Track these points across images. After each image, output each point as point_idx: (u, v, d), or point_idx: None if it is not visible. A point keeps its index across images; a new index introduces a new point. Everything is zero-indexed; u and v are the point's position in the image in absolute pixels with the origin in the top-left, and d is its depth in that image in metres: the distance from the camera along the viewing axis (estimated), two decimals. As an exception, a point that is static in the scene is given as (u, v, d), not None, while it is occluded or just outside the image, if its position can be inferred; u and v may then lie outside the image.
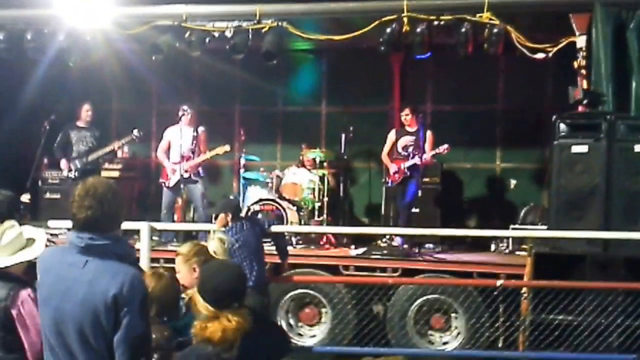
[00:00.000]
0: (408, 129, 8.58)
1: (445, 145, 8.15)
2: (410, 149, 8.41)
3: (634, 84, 7.28)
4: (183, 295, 3.97)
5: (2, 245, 3.85)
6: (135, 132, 8.95)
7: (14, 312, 3.69)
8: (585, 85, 7.49)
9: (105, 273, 2.79)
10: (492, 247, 8.56)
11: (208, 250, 4.50)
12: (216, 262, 3.77)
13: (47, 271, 2.93)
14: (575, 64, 7.55)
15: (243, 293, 2.95)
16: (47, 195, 9.48)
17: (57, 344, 2.83)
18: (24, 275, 3.86)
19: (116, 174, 9.92)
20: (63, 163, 9.01)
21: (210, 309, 2.85)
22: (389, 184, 8.63)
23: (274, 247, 6.85)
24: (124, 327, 2.72)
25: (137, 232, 6.36)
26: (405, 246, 8.13)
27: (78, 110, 9.14)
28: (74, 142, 9.06)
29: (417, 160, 8.26)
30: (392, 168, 8.51)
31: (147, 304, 2.84)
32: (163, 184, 8.70)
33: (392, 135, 8.72)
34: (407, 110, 8.59)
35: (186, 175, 8.56)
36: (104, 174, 9.63)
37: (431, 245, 8.38)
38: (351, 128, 9.21)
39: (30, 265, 3.79)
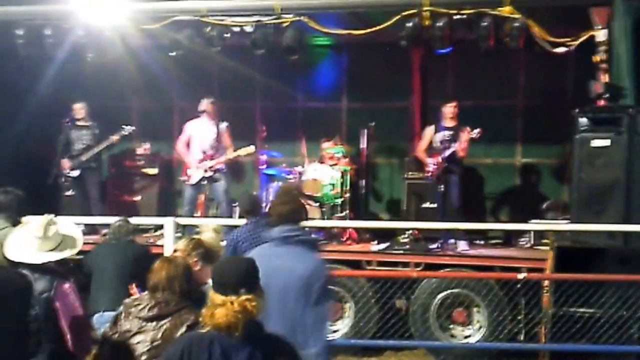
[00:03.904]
0: (447, 123, 8.40)
1: (478, 130, 8.07)
2: (447, 144, 8.24)
3: (654, 78, 7.27)
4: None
5: (46, 239, 3.97)
6: (126, 128, 9.05)
7: (57, 303, 3.81)
8: (605, 79, 7.46)
9: (301, 258, 3.60)
10: (514, 241, 8.56)
11: (204, 242, 4.54)
12: (231, 256, 3.81)
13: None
14: (596, 58, 7.53)
15: (252, 282, 2.93)
16: (67, 192, 9.56)
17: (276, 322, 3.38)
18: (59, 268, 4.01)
19: (155, 171, 10.07)
20: (64, 162, 9.11)
21: (218, 295, 2.87)
22: (430, 180, 8.44)
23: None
24: (314, 301, 3.52)
25: (161, 227, 6.48)
26: (468, 249, 8.02)
27: (74, 108, 9.23)
28: (73, 140, 9.17)
29: (455, 147, 8.12)
30: (430, 162, 8.36)
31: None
32: (184, 182, 8.77)
33: (430, 130, 8.54)
34: (454, 103, 8.42)
35: (208, 174, 8.63)
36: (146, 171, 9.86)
37: (453, 241, 8.39)
38: (372, 123, 9.22)
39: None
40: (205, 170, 8.60)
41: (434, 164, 8.30)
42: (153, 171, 10.19)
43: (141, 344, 3.49)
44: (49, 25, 8.61)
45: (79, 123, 9.22)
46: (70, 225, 4.28)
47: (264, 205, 8.28)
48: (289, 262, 3.60)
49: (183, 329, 3.42)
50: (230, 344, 2.83)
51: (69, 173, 9.13)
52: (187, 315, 3.48)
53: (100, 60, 8.94)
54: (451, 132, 8.30)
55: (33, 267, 3.88)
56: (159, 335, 3.47)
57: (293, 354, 3.01)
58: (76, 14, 8.43)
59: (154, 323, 3.51)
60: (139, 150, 10.19)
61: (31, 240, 3.96)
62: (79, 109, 9.22)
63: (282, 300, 3.51)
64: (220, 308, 2.82)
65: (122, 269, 5.79)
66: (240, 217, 6.62)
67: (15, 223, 4.80)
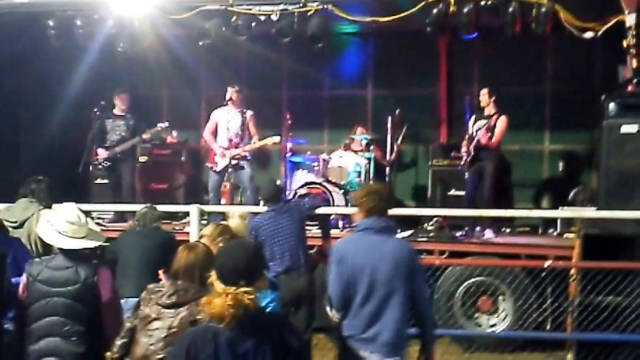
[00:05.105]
0: (483, 111, 8.29)
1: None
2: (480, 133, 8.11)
3: (684, 63, 7.13)
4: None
5: (75, 227, 4.17)
6: (161, 124, 9.17)
7: (101, 287, 4.06)
8: (634, 65, 7.33)
9: (395, 245, 4.17)
10: (541, 229, 8.48)
11: (231, 229, 4.55)
12: (235, 241, 3.80)
13: (350, 255, 4.15)
14: (625, 43, 7.40)
15: (254, 273, 2.92)
16: (98, 180, 9.69)
17: (372, 296, 4.06)
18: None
19: (183, 159, 10.20)
20: (100, 152, 9.19)
21: (219, 284, 2.87)
22: (460, 168, 8.37)
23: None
24: (416, 276, 4.14)
25: (187, 214, 6.53)
26: (494, 237, 7.96)
27: (114, 98, 9.30)
28: (108, 130, 9.24)
29: (480, 138, 8.00)
30: (462, 150, 8.29)
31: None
32: (210, 168, 8.83)
33: (471, 120, 8.41)
34: (483, 90, 8.30)
35: (234, 161, 8.67)
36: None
37: (479, 228, 8.33)
38: (397, 111, 9.18)
39: None
40: (231, 158, 8.64)
41: (465, 152, 8.23)
42: (181, 159, 10.29)
43: (159, 330, 3.51)
44: (79, 16, 8.69)
45: (115, 112, 9.30)
46: (88, 218, 4.44)
47: (286, 193, 8.36)
48: (386, 248, 4.14)
49: (200, 317, 3.44)
50: (235, 335, 2.81)
51: (103, 162, 9.23)
52: None
53: (131, 50, 9.01)
54: (485, 121, 8.17)
55: (70, 253, 4.09)
56: (176, 322, 3.49)
57: (302, 346, 3.00)
58: (106, 4, 8.51)
59: (173, 310, 3.52)
60: (168, 139, 10.27)
61: (65, 226, 4.14)
62: (122, 99, 9.29)
63: (383, 282, 4.07)
64: (217, 298, 2.82)
65: (147, 256, 5.83)
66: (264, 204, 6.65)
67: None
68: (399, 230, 4.70)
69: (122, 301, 5.49)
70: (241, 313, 2.80)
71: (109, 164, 9.19)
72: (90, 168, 9.52)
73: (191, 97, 10.79)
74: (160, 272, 4.76)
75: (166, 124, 9.30)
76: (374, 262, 4.08)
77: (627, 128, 6.82)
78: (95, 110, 9.27)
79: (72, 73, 9.60)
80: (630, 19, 7.30)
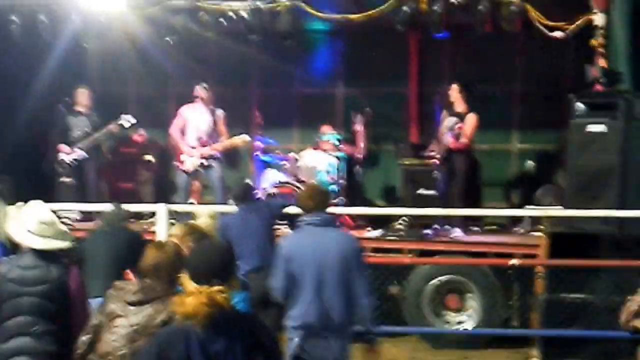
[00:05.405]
0: (454, 108, 8.14)
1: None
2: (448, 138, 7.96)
3: (652, 63, 7.22)
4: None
5: (45, 226, 4.14)
6: (125, 117, 9.00)
7: (70, 286, 4.08)
8: (603, 64, 7.41)
9: (339, 236, 4.64)
10: (509, 228, 8.53)
11: (200, 228, 4.55)
12: (207, 240, 3.84)
13: (298, 248, 4.54)
14: (593, 43, 7.47)
15: (226, 272, 2.91)
16: (63, 179, 9.51)
17: (319, 288, 4.40)
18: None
19: (150, 157, 10.05)
20: (62, 149, 9.05)
21: (191, 283, 2.85)
22: (433, 167, 8.22)
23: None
24: (360, 266, 4.52)
25: (155, 214, 6.47)
26: (462, 236, 7.90)
27: (75, 94, 9.15)
28: (71, 127, 9.09)
29: (449, 143, 7.92)
30: (433, 149, 8.23)
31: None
32: (177, 167, 8.74)
33: (442, 115, 8.30)
34: (453, 86, 8.16)
35: (202, 161, 8.60)
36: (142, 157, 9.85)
37: (447, 227, 8.35)
38: (367, 109, 9.17)
39: None
40: (200, 158, 8.57)
41: (436, 151, 8.21)
42: (149, 158, 10.17)
43: (122, 327, 3.49)
44: (44, 11, 8.55)
45: (77, 109, 9.15)
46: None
47: (255, 192, 8.31)
48: (332, 239, 4.53)
49: (164, 316, 3.40)
50: (206, 335, 2.80)
51: (66, 160, 9.10)
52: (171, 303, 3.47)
53: (97, 46, 8.90)
54: (456, 119, 8.07)
55: (40, 251, 4.08)
56: (140, 319, 3.46)
57: (273, 344, 2.98)
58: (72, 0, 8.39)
59: (137, 307, 3.50)
60: (135, 137, 10.14)
61: (36, 225, 4.12)
62: (82, 95, 9.13)
63: (333, 269, 4.43)
64: (190, 297, 2.80)
65: (114, 255, 5.75)
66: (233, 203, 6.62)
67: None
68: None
69: (90, 300, 5.49)
70: (215, 312, 2.78)
71: (73, 162, 9.05)
72: (55, 167, 9.36)
73: (159, 94, 10.66)
74: (128, 272, 4.73)
75: (133, 120, 9.15)
76: (320, 252, 4.45)
77: (594, 127, 6.89)
78: (59, 107, 9.12)
79: (37, 69, 9.43)
80: (598, 19, 7.39)
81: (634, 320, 4.26)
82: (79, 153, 9.02)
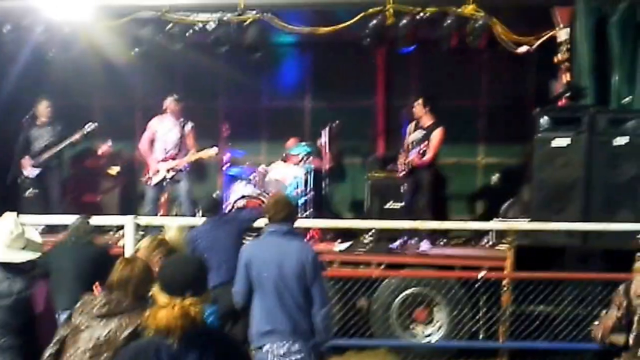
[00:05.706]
0: (420, 122, 8.17)
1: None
2: (418, 144, 8.04)
3: (614, 78, 7.35)
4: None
5: (13, 238, 4.09)
6: (88, 125, 8.92)
7: (34, 300, 4.00)
8: (567, 79, 7.53)
9: (299, 246, 4.66)
10: (475, 241, 8.60)
11: (168, 241, 4.52)
12: (180, 253, 3.88)
13: (259, 253, 4.64)
14: (557, 58, 7.59)
15: (200, 284, 2.90)
16: (27, 193, 9.34)
17: (280, 294, 4.49)
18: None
19: (116, 170, 9.96)
20: (24, 162, 8.93)
21: (163, 296, 2.82)
22: (399, 180, 8.33)
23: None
24: (317, 277, 4.57)
25: (122, 227, 6.40)
26: (430, 249, 7.98)
27: (36, 107, 9.05)
28: (32, 140, 8.99)
29: (414, 159, 7.98)
30: (399, 163, 8.27)
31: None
32: (145, 182, 8.66)
33: (409, 128, 8.32)
34: (418, 100, 8.15)
35: (170, 174, 8.53)
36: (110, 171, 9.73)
37: (414, 240, 8.39)
38: (334, 123, 9.19)
39: None
40: (167, 171, 8.51)
41: (402, 165, 8.25)
42: (115, 171, 10.05)
43: (84, 340, 3.45)
44: (8, 22, 8.44)
45: (40, 121, 9.04)
46: (29, 227, 4.35)
47: (224, 205, 8.28)
48: (292, 248, 4.61)
49: (130, 330, 3.37)
50: (178, 349, 2.77)
51: (29, 173, 8.95)
52: (137, 317, 3.42)
53: (62, 57, 8.79)
54: (422, 133, 8.12)
55: (6, 264, 4.02)
56: (104, 333, 3.43)
57: (241, 358, 2.96)
58: (36, 10, 8.27)
59: (103, 321, 3.47)
60: (101, 149, 10.01)
61: (5, 237, 4.07)
62: (44, 108, 9.04)
63: (290, 278, 4.50)
64: (163, 310, 2.77)
65: (80, 269, 5.70)
66: (202, 216, 6.59)
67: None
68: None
69: (56, 315, 5.41)
70: (188, 325, 2.76)
71: (35, 175, 8.92)
72: (19, 180, 9.20)
73: (125, 106, 10.55)
74: (97, 285, 4.69)
75: (95, 125, 9.04)
76: (280, 260, 4.54)
77: (558, 142, 6.98)
78: (23, 120, 9.00)
79: (1, 81, 9.29)
80: (562, 34, 7.51)
81: (611, 335, 4.25)
82: (42, 166, 8.88)
